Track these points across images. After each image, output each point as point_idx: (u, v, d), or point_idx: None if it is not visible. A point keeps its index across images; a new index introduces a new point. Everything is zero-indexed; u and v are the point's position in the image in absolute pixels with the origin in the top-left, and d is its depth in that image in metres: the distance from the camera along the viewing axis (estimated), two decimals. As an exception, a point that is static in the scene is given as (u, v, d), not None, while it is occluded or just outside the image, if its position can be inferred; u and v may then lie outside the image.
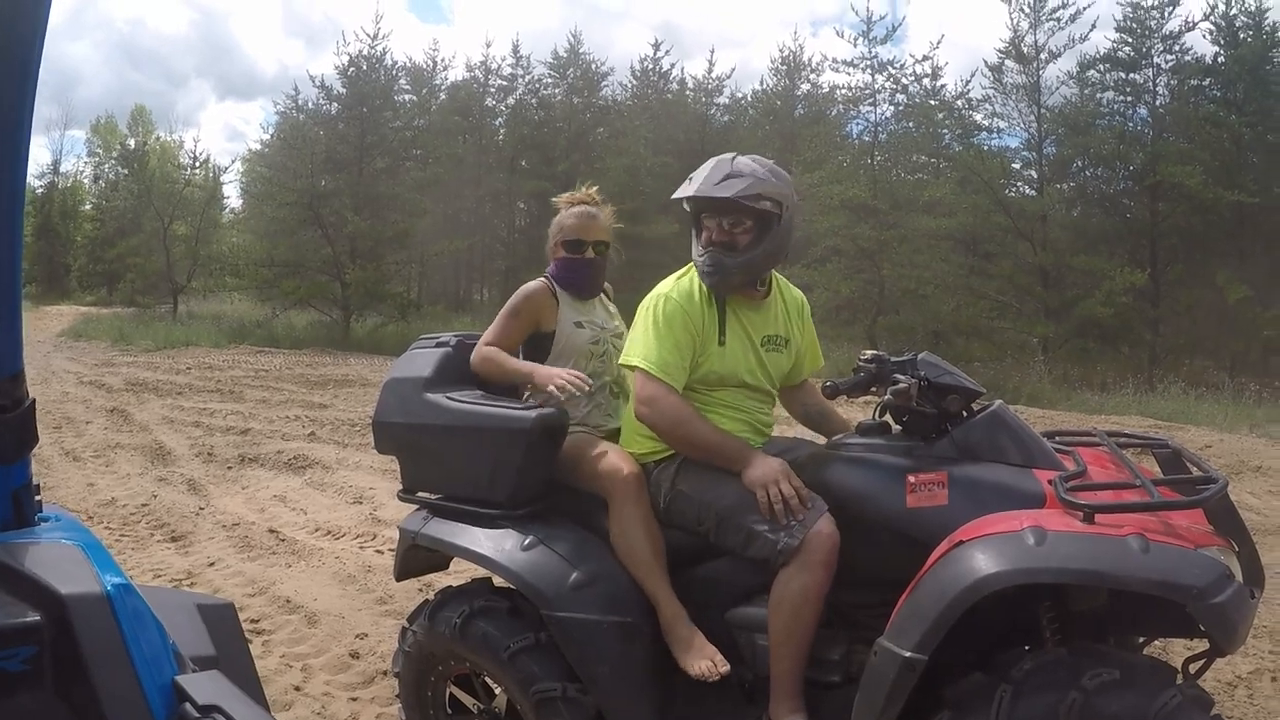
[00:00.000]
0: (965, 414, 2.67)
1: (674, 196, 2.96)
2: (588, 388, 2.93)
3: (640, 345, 2.87)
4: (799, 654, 2.55)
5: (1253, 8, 24.37)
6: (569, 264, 3.32)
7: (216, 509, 7.30)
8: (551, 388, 2.88)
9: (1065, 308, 21.02)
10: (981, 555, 2.21)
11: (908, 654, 2.21)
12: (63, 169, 52.47)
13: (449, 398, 3.02)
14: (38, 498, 1.42)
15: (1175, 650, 4.30)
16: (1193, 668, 2.44)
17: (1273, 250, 24.13)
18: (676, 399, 2.81)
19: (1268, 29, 24.13)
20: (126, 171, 40.24)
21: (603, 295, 3.50)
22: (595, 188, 3.45)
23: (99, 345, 22.28)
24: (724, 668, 2.65)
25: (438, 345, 3.28)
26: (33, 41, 1.16)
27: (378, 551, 6.20)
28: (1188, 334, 23.02)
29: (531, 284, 3.27)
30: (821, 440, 3.16)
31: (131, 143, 43.72)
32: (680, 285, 2.96)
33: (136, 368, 17.30)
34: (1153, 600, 2.17)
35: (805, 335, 3.26)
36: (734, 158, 2.92)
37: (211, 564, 5.95)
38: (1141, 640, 2.85)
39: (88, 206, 50.24)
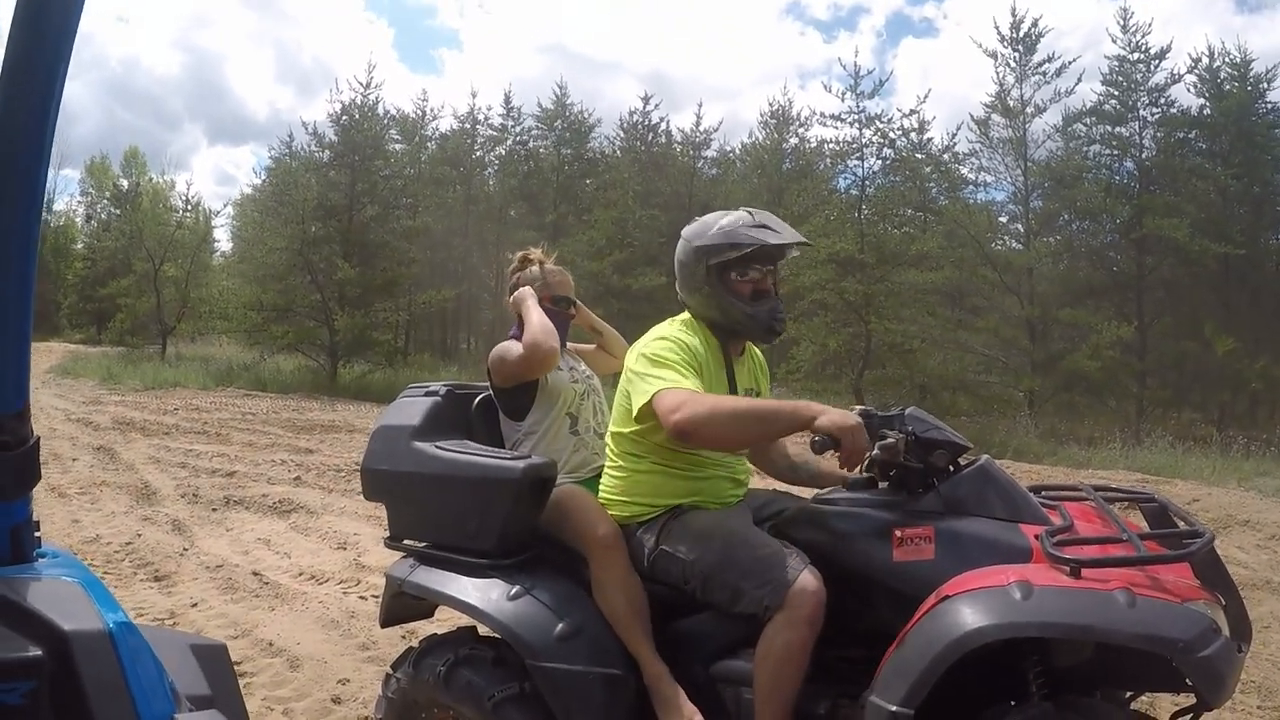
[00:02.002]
0: (952, 469, 2.67)
1: (776, 243, 2.82)
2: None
3: (648, 382, 2.70)
4: (784, 708, 2.52)
5: (1237, 59, 24.76)
6: (557, 317, 3.35)
7: (200, 550, 7.26)
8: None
9: (1052, 361, 21.07)
10: (968, 609, 2.21)
11: (894, 708, 2.20)
12: (55, 207, 52.78)
13: (438, 446, 3.01)
14: (37, 534, 1.42)
15: (1162, 705, 4.28)
16: (1179, 723, 2.42)
17: (1259, 302, 24.30)
18: (702, 394, 2.66)
19: (1252, 80, 24.42)
20: (119, 212, 40.38)
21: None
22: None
23: (87, 383, 22.29)
24: None
25: (427, 394, 3.28)
26: (47, 109, 1.17)
27: (361, 597, 6.16)
28: (1175, 387, 23.08)
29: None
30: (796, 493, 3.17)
31: (124, 184, 43.96)
32: (674, 330, 2.89)
33: (124, 407, 17.29)
34: (1140, 655, 2.16)
35: (765, 386, 3.26)
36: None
37: (194, 605, 5.92)
38: (1128, 695, 2.83)
39: (79, 245, 50.47)
